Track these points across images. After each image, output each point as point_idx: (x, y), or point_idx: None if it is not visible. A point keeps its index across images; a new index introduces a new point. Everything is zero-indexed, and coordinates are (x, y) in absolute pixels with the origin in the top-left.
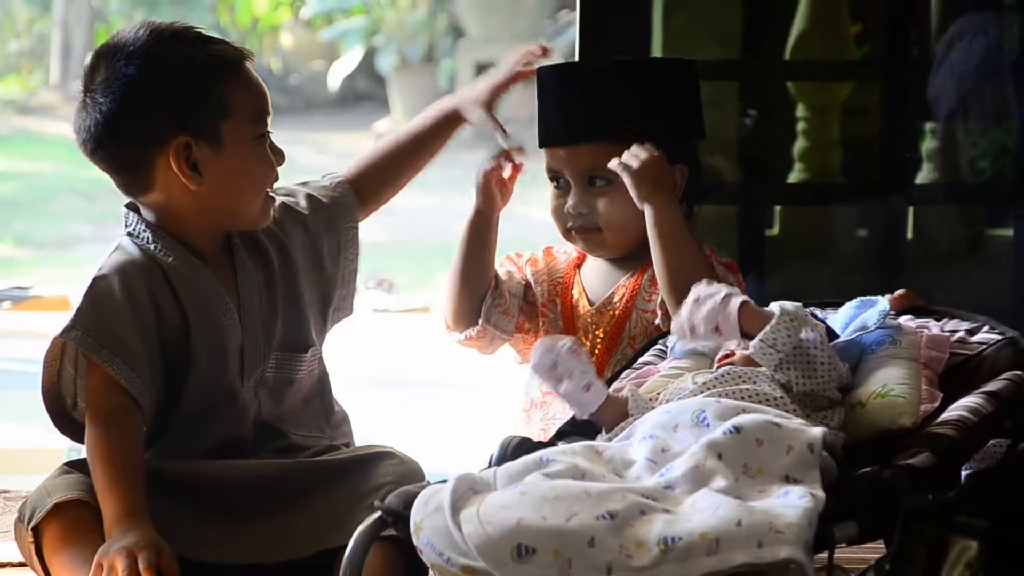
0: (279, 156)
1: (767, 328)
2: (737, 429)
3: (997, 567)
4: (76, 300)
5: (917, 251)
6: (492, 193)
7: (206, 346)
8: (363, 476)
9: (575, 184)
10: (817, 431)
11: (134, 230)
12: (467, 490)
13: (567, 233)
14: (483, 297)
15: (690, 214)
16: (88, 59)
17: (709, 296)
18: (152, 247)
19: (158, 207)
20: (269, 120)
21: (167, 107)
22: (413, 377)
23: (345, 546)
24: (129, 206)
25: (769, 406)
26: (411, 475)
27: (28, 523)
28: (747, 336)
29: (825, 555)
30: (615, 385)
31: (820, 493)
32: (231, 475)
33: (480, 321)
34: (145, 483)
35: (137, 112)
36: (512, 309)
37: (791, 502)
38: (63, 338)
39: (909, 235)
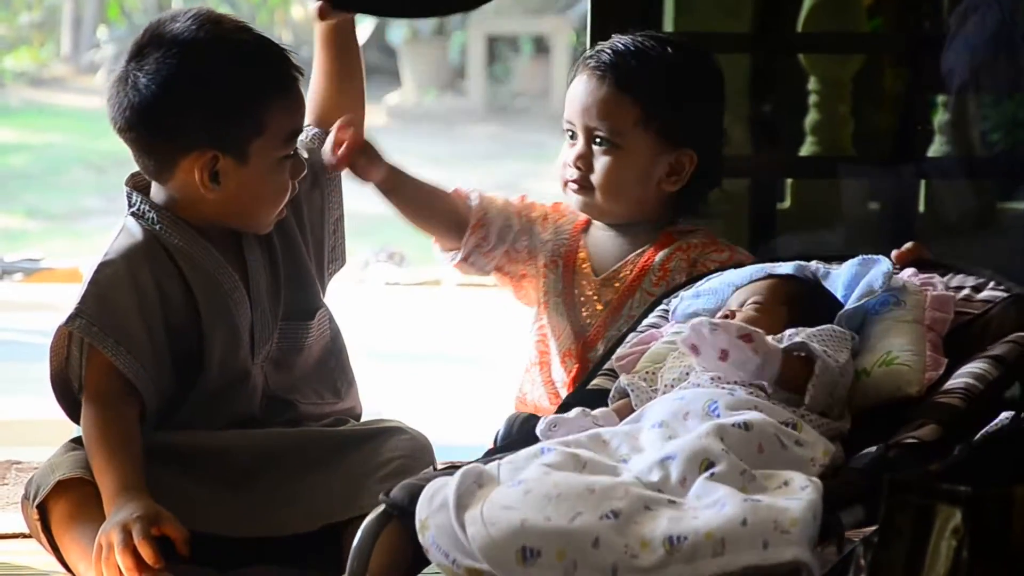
0: (299, 168)
1: (809, 395)
2: (747, 426)
3: (981, 531)
4: (83, 282)
5: (929, 224)
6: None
7: (218, 326)
8: (373, 450)
9: (582, 138)
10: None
11: (139, 210)
12: (472, 484)
13: (564, 185)
14: (451, 213)
15: (698, 200)
16: (141, 33)
17: (741, 362)
18: (158, 227)
19: (170, 193)
20: (299, 137)
21: (206, 117)
22: (424, 350)
23: (354, 519)
24: (133, 185)
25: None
26: (420, 450)
27: (33, 500)
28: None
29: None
30: (620, 351)
31: (819, 481)
32: (240, 444)
33: (461, 254)
34: (142, 460)
35: (175, 110)
36: (494, 252)
37: (794, 494)
38: (67, 327)
39: (921, 208)
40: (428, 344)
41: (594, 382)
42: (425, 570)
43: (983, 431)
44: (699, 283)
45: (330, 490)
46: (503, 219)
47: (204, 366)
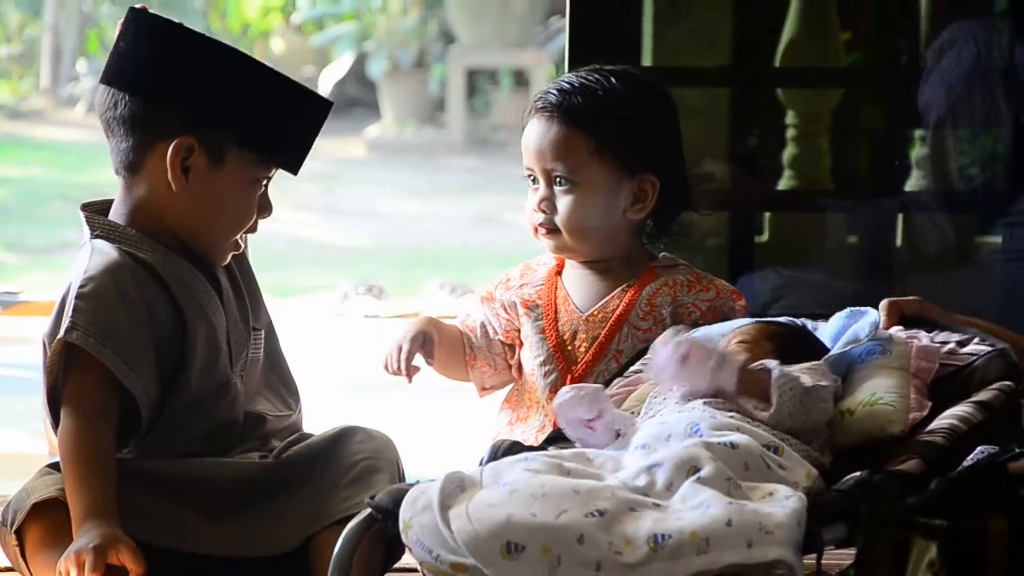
0: (267, 209)
1: (773, 408)
2: (733, 445)
3: (956, 565)
4: (64, 302)
5: (907, 258)
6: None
7: (200, 336)
8: (337, 456)
9: (543, 181)
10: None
11: (104, 232)
12: (455, 487)
13: (535, 231)
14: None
15: (670, 225)
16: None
17: (699, 361)
18: (129, 244)
19: (134, 200)
20: (272, 174)
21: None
22: (404, 382)
23: (327, 527)
24: (88, 208)
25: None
26: (383, 448)
27: (11, 527)
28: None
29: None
30: (607, 391)
31: (803, 494)
32: (222, 472)
33: (482, 389)
34: (115, 483)
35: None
36: (499, 365)
37: (779, 502)
38: (65, 338)
39: (899, 242)
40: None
41: None
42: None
43: (960, 466)
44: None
45: (306, 503)
46: (486, 341)
47: (187, 377)
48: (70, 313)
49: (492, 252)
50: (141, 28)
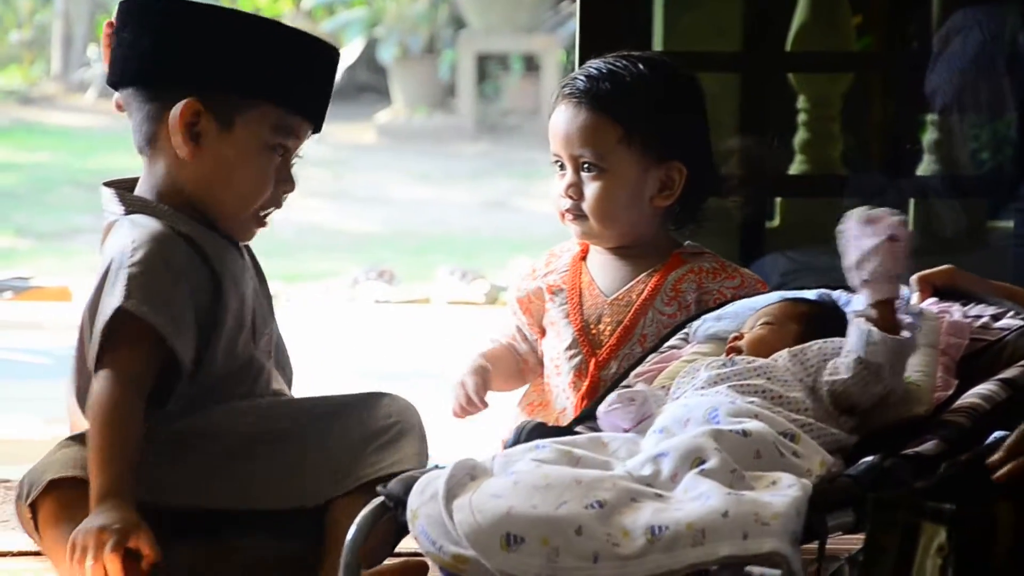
0: (290, 183)
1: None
2: (745, 433)
3: (965, 549)
4: (112, 273)
5: (918, 242)
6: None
7: (231, 309)
8: (365, 417)
9: (570, 167)
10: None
11: (137, 207)
12: (464, 476)
13: (562, 217)
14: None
15: (696, 212)
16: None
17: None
18: (164, 217)
19: (156, 177)
20: (291, 143)
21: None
22: (414, 367)
23: (351, 491)
24: (113, 186)
25: (784, 408)
26: (408, 410)
27: (26, 499)
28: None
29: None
30: (639, 369)
31: (808, 482)
32: (235, 420)
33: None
34: (137, 459)
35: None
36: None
37: (780, 491)
38: (124, 305)
39: (910, 226)
40: (418, 361)
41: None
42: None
43: (972, 450)
44: (723, 308)
45: (329, 462)
46: (528, 344)
47: (212, 344)
48: (123, 282)
49: (502, 237)
50: (120, 18)
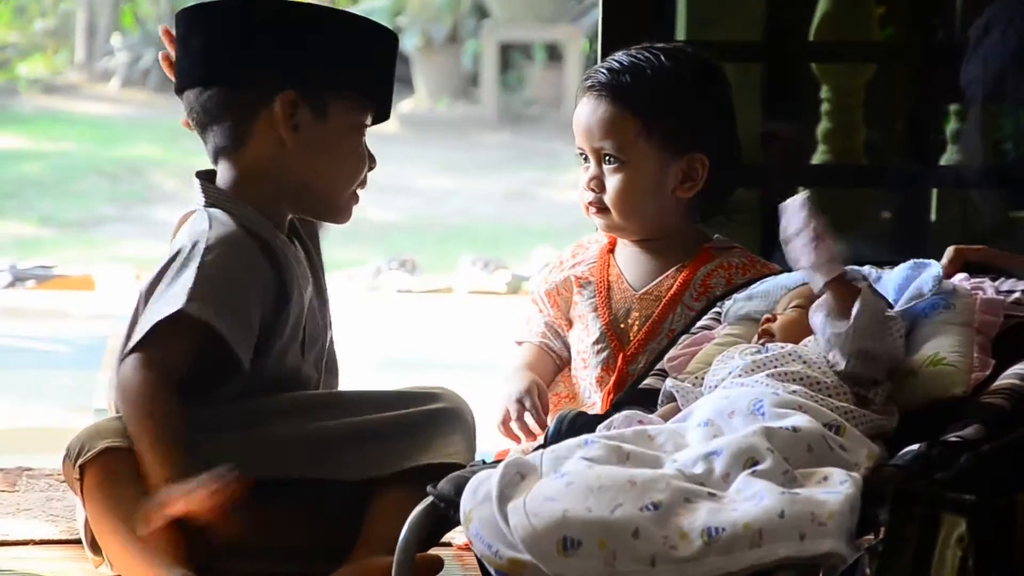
0: (372, 160)
1: (851, 319)
2: (795, 429)
3: (986, 540)
4: (181, 269)
5: (941, 233)
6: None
7: (291, 318)
8: (424, 404)
9: (592, 160)
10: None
11: (218, 202)
12: (515, 475)
13: (586, 209)
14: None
15: (722, 202)
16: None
17: (822, 249)
18: (243, 219)
19: (244, 170)
20: (368, 123)
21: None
22: (436, 357)
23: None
24: (203, 176)
25: (821, 394)
26: (463, 406)
27: (75, 460)
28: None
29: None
30: (672, 351)
31: (858, 476)
32: (301, 398)
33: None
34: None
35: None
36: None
37: (832, 488)
38: (186, 308)
39: (933, 217)
40: (440, 351)
41: (645, 382)
42: None
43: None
44: (753, 286)
45: (392, 438)
46: (560, 340)
47: (265, 351)
48: (189, 282)
49: (525, 227)
50: (191, 24)
